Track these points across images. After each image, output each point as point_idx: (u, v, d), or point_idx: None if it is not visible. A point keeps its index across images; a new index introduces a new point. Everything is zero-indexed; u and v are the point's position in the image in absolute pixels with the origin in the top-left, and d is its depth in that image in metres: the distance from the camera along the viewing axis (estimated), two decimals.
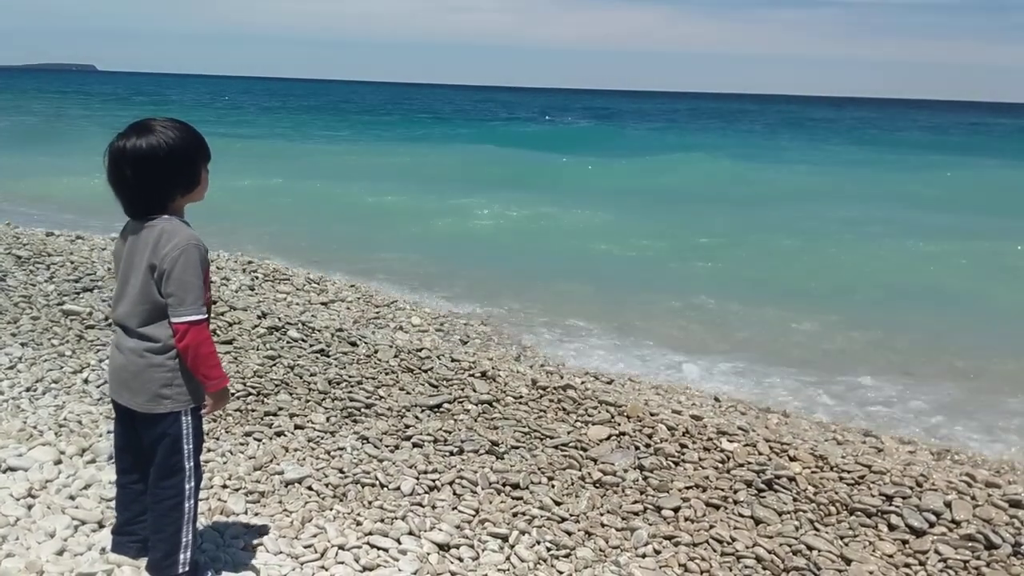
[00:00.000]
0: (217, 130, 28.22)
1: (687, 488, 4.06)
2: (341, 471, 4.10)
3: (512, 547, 3.56)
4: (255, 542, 3.41)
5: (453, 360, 5.46)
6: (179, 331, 2.73)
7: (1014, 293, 10.14)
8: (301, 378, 5.16)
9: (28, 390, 4.85)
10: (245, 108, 59.60)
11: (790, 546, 3.63)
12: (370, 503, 3.83)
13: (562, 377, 5.52)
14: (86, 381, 5.06)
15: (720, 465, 4.25)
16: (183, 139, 2.77)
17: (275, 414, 4.73)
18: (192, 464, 2.88)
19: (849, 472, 4.09)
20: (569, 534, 3.70)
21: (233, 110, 55.91)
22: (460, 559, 3.46)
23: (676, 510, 3.91)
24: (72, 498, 3.61)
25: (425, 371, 5.29)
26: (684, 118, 62.99)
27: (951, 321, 8.76)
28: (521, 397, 4.95)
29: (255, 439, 4.45)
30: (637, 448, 4.40)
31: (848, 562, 3.53)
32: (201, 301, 2.76)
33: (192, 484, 2.90)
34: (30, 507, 3.48)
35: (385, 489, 3.96)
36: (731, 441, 4.41)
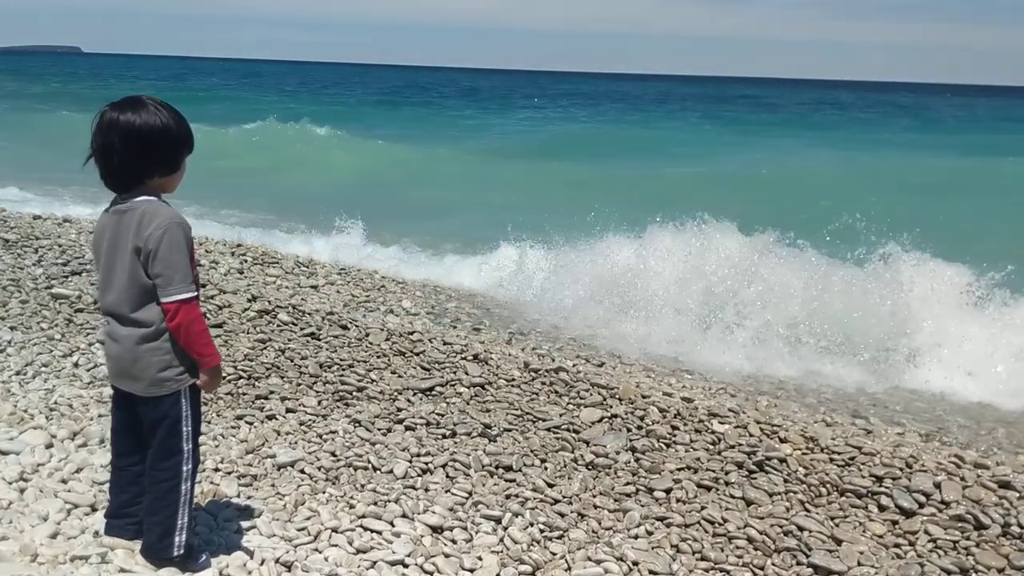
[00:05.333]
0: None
1: (679, 470, 4.08)
2: (333, 454, 4.10)
3: (505, 529, 3.57)
4: (248, 525, 3.41)
5: (445, 343, 5.46)
6: (170, 311, 2.73)
7: None
8: (292, 361, 5.16)
9: (18, 374, 4.82)
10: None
11: (781, 527, 3.65)
12: (363, 486, 3.84)
13: (554, 360, 5.53)
14: (76, 365, 5.04)
15: (711, 447, 4.27)
16: (174, 122, 2.81)
17: (266, 397, 4.73)
18: (190, 446, 2.89)
19: (839, 453, 4.11)
20: (562, 516, 3.71)
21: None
22: (454, 541, 3.46)
23: (668, 491, 3.93)
24: (64, 481, 3.60)
25: (417, 354, 5.29)
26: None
27: None
28: (513, 380, 4.95)
29: (247, 422, 4.45)
30: (629, 430, 4.41)
31: (839, 542, 3.55)
32: (189, 279, 2.76)
33: (189, 466, 2.90)
34: (22, 490, 3.47)
35: (378, 472, 3.96)
36: (722, 423, 4.43)
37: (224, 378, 4.87)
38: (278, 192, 15.74)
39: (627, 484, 3.99)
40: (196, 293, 2.80)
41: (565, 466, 4.13)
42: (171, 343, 2.80)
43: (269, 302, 6.03)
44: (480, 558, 3.35)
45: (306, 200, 14.40)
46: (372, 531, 3.45)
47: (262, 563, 3.12)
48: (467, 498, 3.78)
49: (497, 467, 4.06)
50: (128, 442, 3.01)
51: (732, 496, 3.90)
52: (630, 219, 8.90)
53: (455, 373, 5.01)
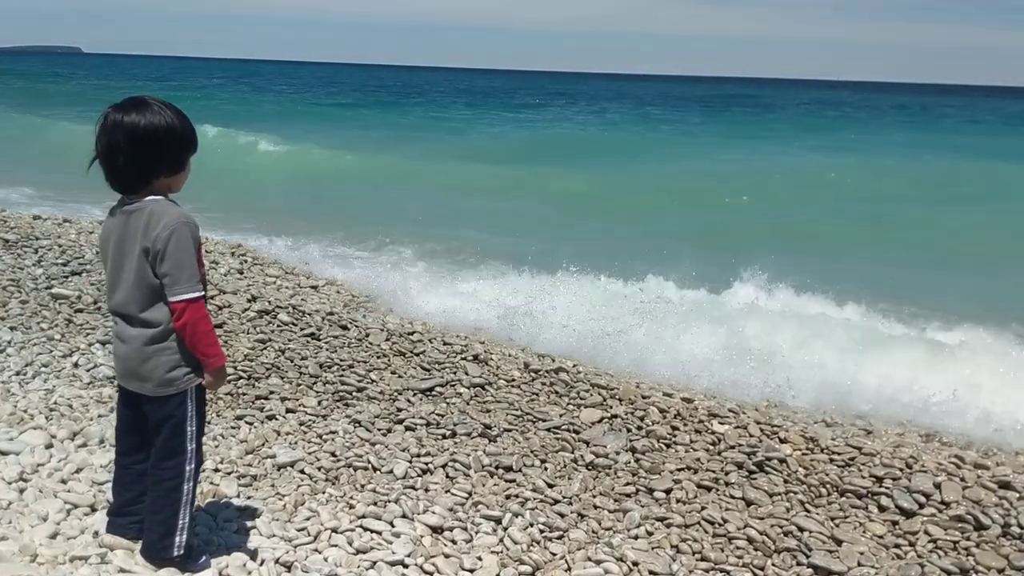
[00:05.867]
0: None
1: (679, 470, 4.08)
2: (333, 454, 4.10)
3: (505, 529, 3.57)
4: (248, 525, 3.41)
5: (445, 343, 5.46)
6: (177, 310, 2.74)
7: None
8: (292, 362, 5.16)
9: (18, 374, 4.82)
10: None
11: (781, 527, 3.65)
12: (363, 486, 3.84)
13: (554, 360, 5.53)
14: (76, 365, 5.03)
15: (711, 447, 4.27)
16: (178, 122, 2.81)
17: (266, 398, 4.73)
18: (194, 446, 2.90)
19: (840, 454, 4.12)
20: (562, 516, 3.71)
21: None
22: (454, 541, 3.46)
23: (668, 492, 3.93)
24: (64, 482, 3.60)
25: (417, 354, 5.29)
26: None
27: None
28: (513, 380, 4.96)
29: (246, 423, 4.44)
30: (629, 430, 4.41)
31: (839, 543, 3.55)
32: (196, 279, 2.77)
33: (192, 466, 2.90)
34: (22, 491, 3.47)
35: (378, 472, 3.96)
36: (722, 423, 4.44)
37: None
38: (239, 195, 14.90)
39: (627, 484, 3.99)
40: (203, 292, 2.81)
41: (565, 466, 4.13)
42: (179, 343, 2.80)
43: (269, 302, 6.03)
44: (480, 558, 3.35)
45: (293, 206, 14.22)
46: (372, 531, 3.45)
47: (262, 563, 3.12)
48: (467, 498, 3.78)
49: (497, 467, 4.06)
50: (132, 440, 3.01)
51: (732, 496, 3.90)
52: (630, 220, 8.89)
53: (455, 373, 5.01)
